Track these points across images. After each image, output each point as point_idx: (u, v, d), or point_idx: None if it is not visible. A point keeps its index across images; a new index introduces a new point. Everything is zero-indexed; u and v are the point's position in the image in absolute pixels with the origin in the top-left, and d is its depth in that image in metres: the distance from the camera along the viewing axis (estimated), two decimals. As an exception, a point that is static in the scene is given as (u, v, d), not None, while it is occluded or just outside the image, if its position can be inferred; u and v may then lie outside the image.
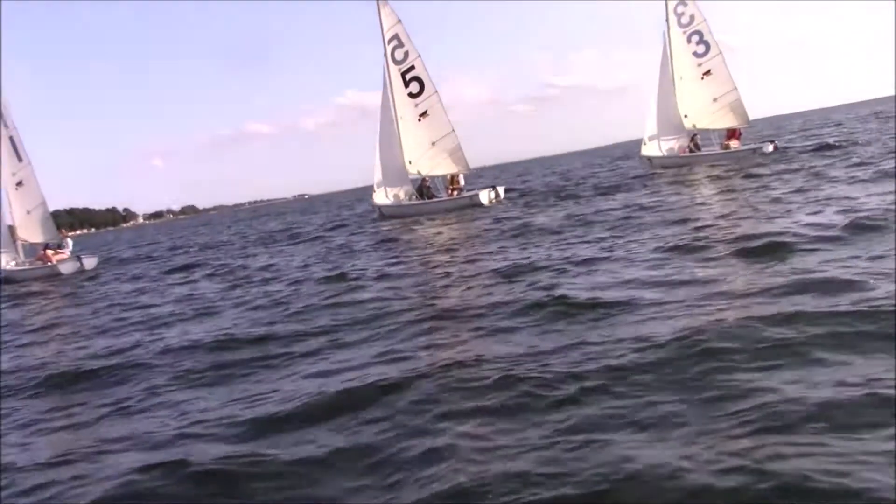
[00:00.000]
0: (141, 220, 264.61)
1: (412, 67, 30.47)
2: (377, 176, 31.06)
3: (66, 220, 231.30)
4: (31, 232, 30.43)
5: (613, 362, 5.58)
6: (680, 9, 32.97)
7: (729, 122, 32.68)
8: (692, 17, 32.75)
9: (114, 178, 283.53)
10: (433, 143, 30.48)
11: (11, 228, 30.56)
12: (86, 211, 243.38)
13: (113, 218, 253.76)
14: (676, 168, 31.38)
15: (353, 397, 5.72)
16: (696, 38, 32.77)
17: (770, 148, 30.91)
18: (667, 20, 33.22)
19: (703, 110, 32.54)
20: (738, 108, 32.47)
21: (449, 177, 31.02)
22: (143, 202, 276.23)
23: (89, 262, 29.75)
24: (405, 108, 30.56)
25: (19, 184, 30.43)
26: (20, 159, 30.45)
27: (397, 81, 30.59)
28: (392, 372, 6.27)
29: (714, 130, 33.21)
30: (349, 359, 7.11)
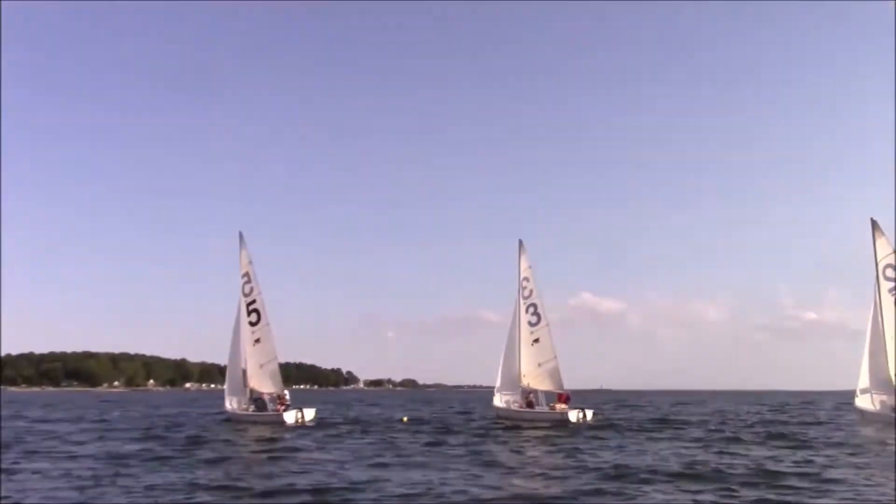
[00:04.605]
0: (362, 384, 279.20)
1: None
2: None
3: (294, 373, 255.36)
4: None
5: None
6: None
7: None
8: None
9: (344, 342, 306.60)
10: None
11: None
12: (313, 368, 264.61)
13: (336, 378, 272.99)
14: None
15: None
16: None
17: None
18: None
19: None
20: None
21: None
22: (366, 369, 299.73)
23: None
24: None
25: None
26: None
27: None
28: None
29: None
30: None
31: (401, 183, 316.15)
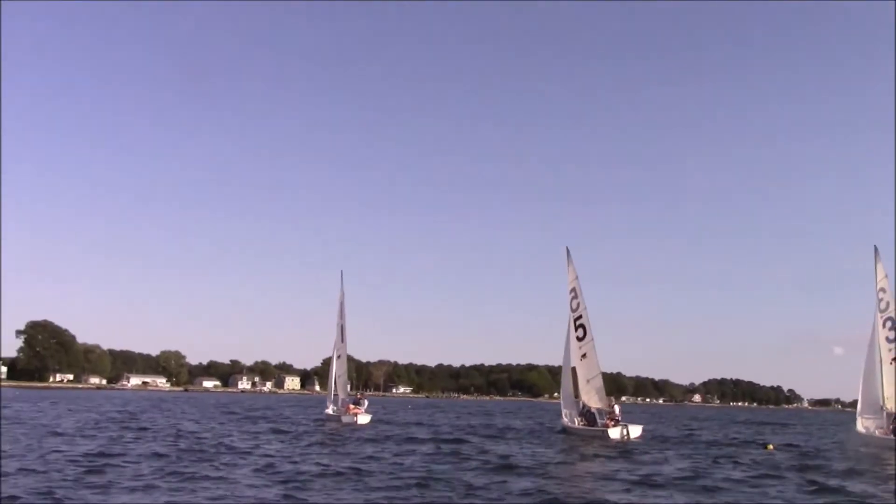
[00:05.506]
0: (805, 404, 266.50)
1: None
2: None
3: (730, 390, 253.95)
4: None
5: None
6: None
7: None
8: None
9: (786, 359, 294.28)
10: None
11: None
12: (750, 385, 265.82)
13: (776, 396, 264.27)
14: None
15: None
16: None
17: None
18: None
19: None
20: None
21: None
22: (812, 388, 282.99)
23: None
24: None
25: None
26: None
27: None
28: None
29: None
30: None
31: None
